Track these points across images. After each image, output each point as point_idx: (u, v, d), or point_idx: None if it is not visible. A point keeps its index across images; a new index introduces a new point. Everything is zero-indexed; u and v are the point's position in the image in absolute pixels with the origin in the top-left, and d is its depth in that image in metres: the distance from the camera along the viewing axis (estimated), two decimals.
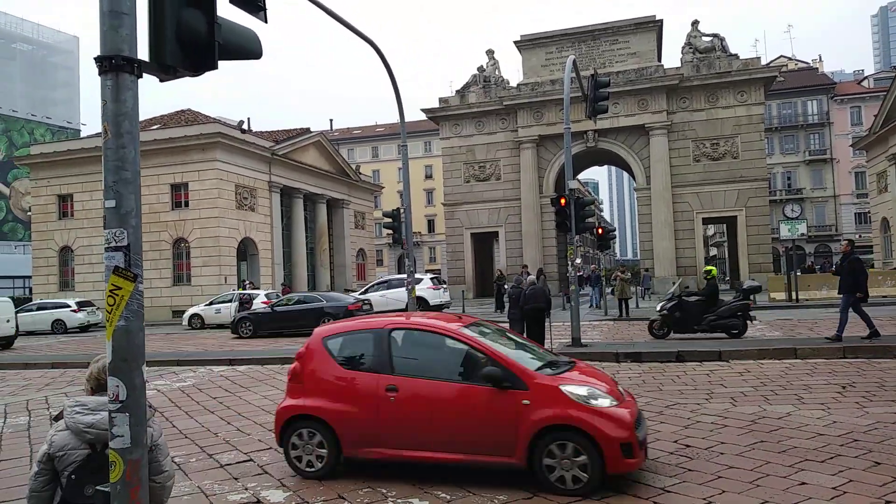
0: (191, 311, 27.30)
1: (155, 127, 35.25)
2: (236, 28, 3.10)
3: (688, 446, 6.36)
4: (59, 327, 28.34)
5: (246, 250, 35.74)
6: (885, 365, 10.46)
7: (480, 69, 40.04)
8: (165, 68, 2.70)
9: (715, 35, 36.31)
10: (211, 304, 27.14)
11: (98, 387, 2.98)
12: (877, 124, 39.00)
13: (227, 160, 33.36)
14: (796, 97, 59.67)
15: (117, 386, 2.43)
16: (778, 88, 51.03)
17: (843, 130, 58.04)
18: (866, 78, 64.48)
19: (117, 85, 2.44)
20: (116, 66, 2.44)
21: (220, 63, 2.88)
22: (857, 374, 9.83)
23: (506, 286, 26.08)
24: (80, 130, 76.44)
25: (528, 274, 20.48)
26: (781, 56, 68.21)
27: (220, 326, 26.36)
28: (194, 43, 2.76)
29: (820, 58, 69.19)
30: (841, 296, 12.18)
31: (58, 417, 2.96)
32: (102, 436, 2.70)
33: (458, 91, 40.52)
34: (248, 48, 3.13)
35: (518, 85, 38.97)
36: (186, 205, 33.23)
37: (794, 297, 24.30)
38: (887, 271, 31.06)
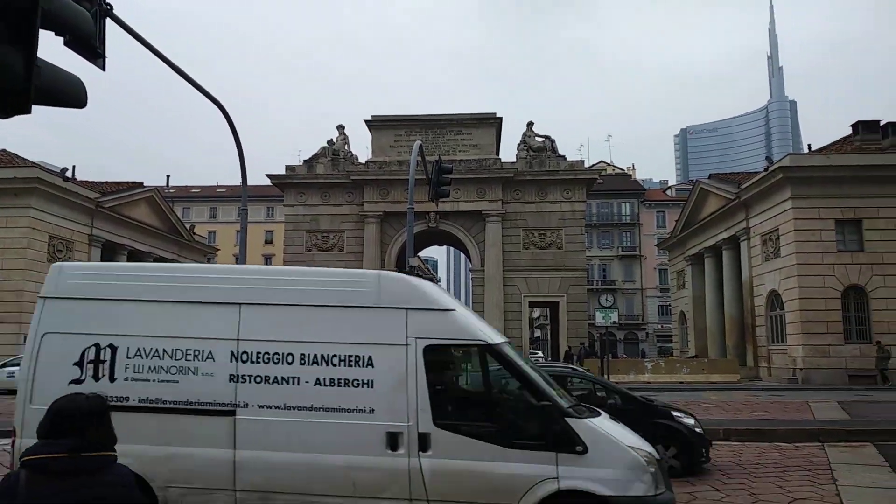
0: None
1: None
2: (60, 73, 2.99)
3: None
4: None
5: None
6: None
7: (330, 142, 40.52)
8: None
9: (547, 137, 40.04)
10: (3, 366, 23.82)
11: None
12: (677, 229, 44.66)
13: (42, 208, 30.40)
14: (613, 199, 67.07)
15: None
16: (598, 189, 56.98)
17: (650, 231, 65.80)
18: (670, 187, 74.29)
19: None
20: None
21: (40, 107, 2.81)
22: None
23: None
24: None
25: None
26: (602, 161, 76.71)
27: (12, 392, 23.13)
28: (7, 83, 2.68)
29: (633, 166, 78.77)
30: None
31: None
32: None
33: (305, 161, 40.53)
34: (71, 95, 3.02)
35: (367, 161, 39.91)
36: None
37: (606, 378, 26.45)
38: (684, 359, 34.94)
